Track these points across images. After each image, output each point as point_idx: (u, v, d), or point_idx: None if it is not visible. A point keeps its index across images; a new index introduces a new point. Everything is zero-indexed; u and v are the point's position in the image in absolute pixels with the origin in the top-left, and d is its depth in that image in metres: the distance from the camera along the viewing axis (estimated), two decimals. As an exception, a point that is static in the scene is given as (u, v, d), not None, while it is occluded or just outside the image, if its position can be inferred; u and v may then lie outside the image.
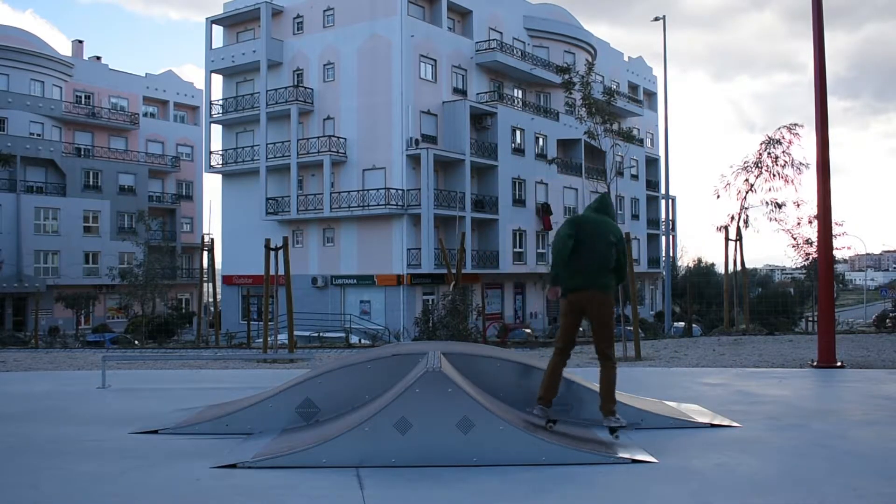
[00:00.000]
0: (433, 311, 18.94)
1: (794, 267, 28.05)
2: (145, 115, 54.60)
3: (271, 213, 40.80)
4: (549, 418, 5.79)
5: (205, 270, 26.05)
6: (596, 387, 6.61)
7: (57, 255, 46.07)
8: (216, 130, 45.09)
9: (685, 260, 55.37)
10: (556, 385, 5.93)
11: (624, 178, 44.68)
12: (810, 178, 24.54)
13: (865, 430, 6.41)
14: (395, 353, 6.54)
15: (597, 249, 5.91)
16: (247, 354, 17.55)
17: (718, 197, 21.56)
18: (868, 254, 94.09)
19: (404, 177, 37.29)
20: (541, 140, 43.91)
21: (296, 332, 16.94)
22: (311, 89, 40.76)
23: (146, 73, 55.55)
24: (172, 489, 4.74)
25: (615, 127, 16.34)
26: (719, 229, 21.54)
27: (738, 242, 21.20)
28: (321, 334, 25.06)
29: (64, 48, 61.78)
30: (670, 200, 37.69)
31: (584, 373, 10.05)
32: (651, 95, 60.30)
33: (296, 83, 41.21)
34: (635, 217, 52.13)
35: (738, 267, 21.69)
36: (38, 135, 47.18)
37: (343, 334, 26.19)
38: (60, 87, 49.64)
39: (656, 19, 35.22)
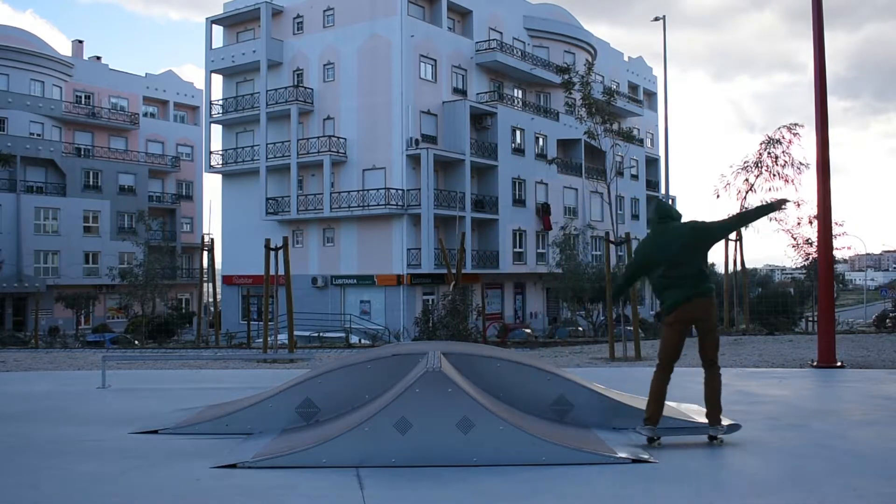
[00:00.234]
0: (433, 311, 18.95)
1: (794, 267, 28.04)
2: (145, 115, 54.59)
3: (271, 213, 40.79)
4: (655, 437, 5.77)
5: (205, 270, 26.05)
6: (596, 387, 6.61)
7: (57, 255, 46.06)
8: (216, 130, 45.10)
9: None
10: (662, 405, 5.79)
11: (624, 178, 44.67)
12: (810, 178, 24.55)
13: (865, 430, 6.41)
14: (395, 353, 6.54)
15: (678, 260, 5.78)
16: (247, 354, 17.55)
17: (718, 197, 21.57)
18: (868, 254, 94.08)
19: (404, 177, 37.29)
20: (541, 140, 43.90)
21: (296, 332, 16.94)
22: (311, 89, 40.76)
23: (146, 73, 55.55)
24: (172, 489, 4.74)
25: (615, 127, 16.32)
26: (719, 229, 21.50)
27: (738, 242, 21.20)
28: (321, 334, 25.08)
29: (64, 48, 61.81)
30: (670, 200, 37.70)
31: (583, 373, 10.05)
32: (651, 95, 60.29)
33: (296, 83, 41.21)
34: (635, 217, 52.12)
35: (738, 267, 21.69)
36: (38, 135, 47.17)
37: (343, 334, 26.20)
38: (60, 87, 49.63)
39: (656, 19, 35.24)
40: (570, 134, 42.43)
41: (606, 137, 15.31)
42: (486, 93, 42.43)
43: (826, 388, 9.29)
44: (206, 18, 44.57)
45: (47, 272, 45.53)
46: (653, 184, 54.74)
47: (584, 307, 31.19)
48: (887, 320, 26.26)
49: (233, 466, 5.17)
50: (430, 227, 36.56)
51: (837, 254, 22.63)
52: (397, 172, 37.52)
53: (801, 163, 20.41)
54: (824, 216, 11.33)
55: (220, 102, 44.05)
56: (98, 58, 54.46)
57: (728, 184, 21.18)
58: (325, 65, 40.45)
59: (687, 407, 7.19)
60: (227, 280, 43.41)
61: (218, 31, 44.86)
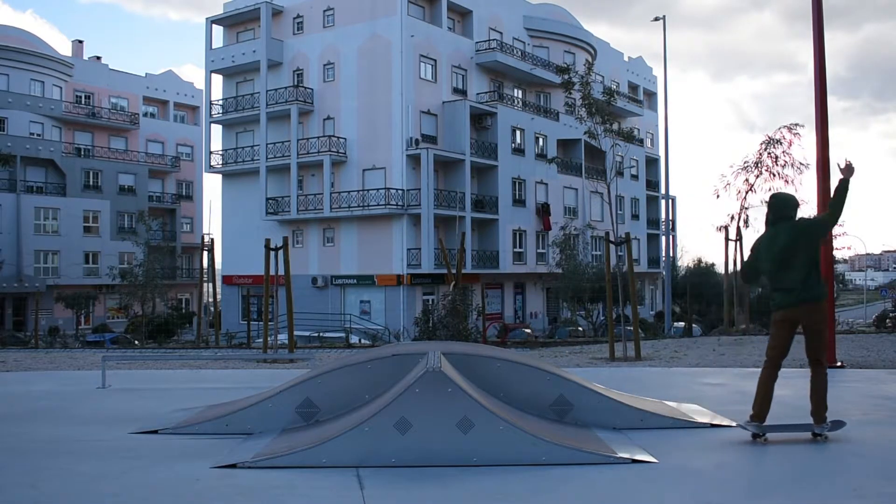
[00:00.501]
0: (433, 311, 18.97)
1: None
2: (145, 115, 54.58)
3: (271, 213, 40.79)
4: (762, 433, 5.79)
5: (205, 270, 26.07)
6: (596, 387, 6.61)
7: (57, 255, 46.05)
8: (216, 130, 45.09)
9: (685, 260, 55.32)
10: (769, 400, 5.83)
11: (624, 178, 44.68)
12: (811, 177, 24.54)
13: (865, 430, 6.41)
14: (395, 353, 6.54)
15: (787, 262, 5.78)
16: (247, 354, 17.56)
17: (718, 197, 21.56)
18: (868, 254, 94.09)
19: (404, 177, 37.28)
20: (541, 140, 43.90)
21: (296, 332, 16.95)
22: (311, 89, 40.75)
23: (146, 73, 55.54)
24: (172, 489, 4.74)
25: (615, 127, 16.30)
26: (719, 229, 21.54)
27: (738, 242, 21.21)
28: (321, 334, 25.07)
29: (64, 48, 61.80)
30: (670, 200, 37.69)
31: (583, 373, 10.05)
32: (651, 95, 60.29)
33: (296, 83, 41.21)
34: (635, 217, 52.11)
35: (739, 267, 21.69)
36: (38, 135, 47.16)
37: (343, 334, 26.19)
38: (60, 87, 49.62)
39: (656, 19, 35.24)
40: (570, 134, 42.43)
41: (606, 137, 15.28)
42: (486, 93, 42.43)
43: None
44: (206, 18, 44.57)
45: (47, 272, 45.53)
46: (653, 184, 54.74)
47: (584, 307, 31.19)
48: (887, 320, 26.28)
49: (233, 466, 5.17)
50: (430, 227, 36.56)
51: (837, 254, 22.63)
52: (397, 172, 37.52)
53: (801, 163, 20.40)
54: (824, 216, 11.32)
55: (220, 102, 44.04)
56: (98, 58, 54.45)
57: (728, 184, 21.18)
58: (325, 65, 40.45)
59: (688, 407, 7.19)
60: (227, 280, 43.41)
61: (218, 31, 44.86)
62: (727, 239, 21.22)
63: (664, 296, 37.50)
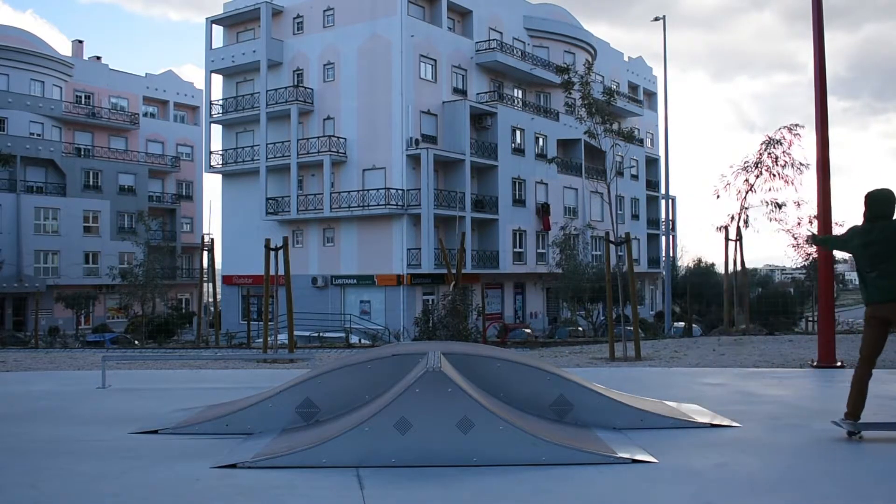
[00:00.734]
0: (433, 311, 18.97)
1: (794, 267, 28.07)
2: (145, 115, 54.59)
3: (271, 213, 40.80)
4: (857, 431, 5.82)
5: (205, 270, 26.07)
6: (596, 387, 6.61)
7: (57, 255, 46.06)
8: (216, 130, 45.09)
9: (685, 260, 55.36)
10: (864, 399, 5.85)
11: (624, 178, 44.69)
12: (810, 178, 24.55)
13: (865, 430, 6.40)
14: (395, 353, 6.54)
15: (879, 260, 5.78)
16: (247, 354, 17.56)
17: (718, 197, 21.55)
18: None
19: (404, 177, 37.29)
20: (541, 140, 43.90)
21: (296, 332, 16.94)
22: (311, 89, 40.76)
23: (146, 73, 55.54)
24: (172, 489, 4.74)
25: (615, 127, 16.29)
26: (719, 229, 21.54)
27: (738, 242, 21.20)
28: (321, 334, 25.07)
29: (64, 48, 61.80)
30: (670, 200, 37.69)
31: (583, 373, 10.05)
32: (651, 95, 60.29)
33: (296, 83, 41.21)
34: (635, 217, 52.12)
35: (738, 267, 21.69)
36: (38, 135, 47.17)
37: (343, 334, 26.19)
38: (60, 87, 49.63)
39: (656, 19, 35.24)
40: (570, 134, 42.44)
41: (606, 137, 15.28)
42: (486, 93, 42.43)
43: (826, 388, 9.29)
44: (206, 18, 44.58)
45: (47, 272, 45.53)
46: (653, 184, 54.74)
47: (584, 307, 31.19)
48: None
49: (233, 466, 5.17)
50: (430, 227, 36.56)
51: (837, 254, 22.60)
52: (397, 172, 37.52)
53: (801, 163, 20.39)
54: (824, 216, 11.33)
55: (220, 102, 44.05)
56: (98, 58, 54.46)
57: (728, 184, 21.17)
58: (325, 65, 40.45)
59: (688, 407, 7.19)
60: (227, 280, 43.41)
61: (218, 31, 44.86)
62: (727, 239, 21.21)
63: (664, 296, 37.50)
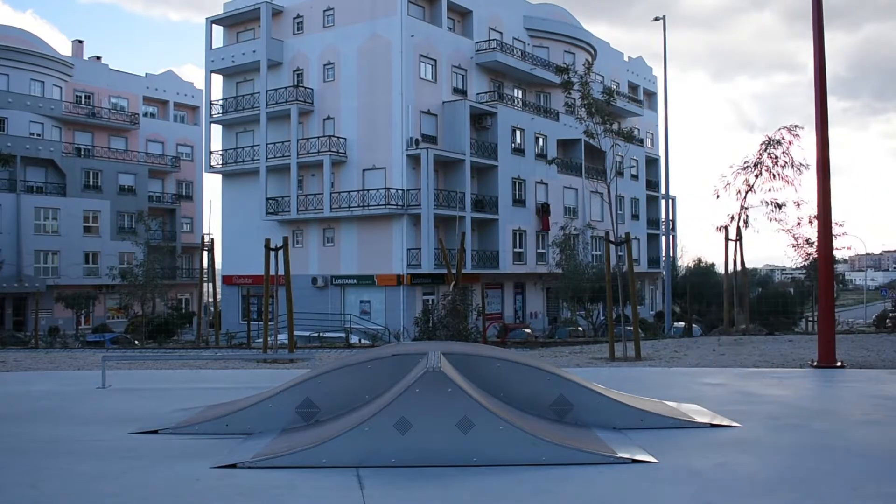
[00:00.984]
0: (433, 311, 18.96)
1: (794, 267, 28.05)
2: (145, 115, 54.57)
3: (271, 213, 40.79)
4: None
5: (205, 270, 26.08)
6: (596, 387, 6.61)
7: (57, 255, 46.04)
8: (216, 130, 45.06)
9: (685, 260, 55.29)
10: None
11: (624, 178, 44.69)
12: (810, 178, 24.54)
13: (865, 430, 6.40)
14: (395, 353, 6.54)
15: None
16: (247, 354, 17.56)
17: (718, 197, 21.55)
18: (868, 254, 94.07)
19: (404, 177, 37.28)
20: (541, 140, 43.89)
21: (296, 332, 16.94)
22: (311, 89, 40.74)
23: (146, 73, 55.52)
24: (172, 489, 4.74)
25: (615, 127, 16.30)
26: (719, 229, 21.54)
27: (738, 242, 21.21)
28: (321, 334, 25.06)
29: (64, 48, 61.79)
30: (670, 200, 37.67)
31: (583, 373, 10.05)
32: (651, 95, 60.27)
33: (296, 83, 41.20)
34: (635, 217, 52.10)
35: (738, 267, 21.69)
36: (38, 135, 47.15)
37: (343, 334, 26.19)
38: (60, 87, 49.62)
39: (656, 19, 35.23)
40: (570, 134, 42.43)
41: (606, 137, 15.29)
42: (486, 93, 42.42)
43: (826, 388, 9.29)
44: (206, 18, 44.54)
45: (47, 272, 45.52)
46: (653, 184, 54.73)
47: (584, 307, 31.19)
48: (887, 320, 26.29)
49: (233, 466, 5.17)
50: (430, 227, 36.55)
51: (837, 254, 22.64)
52: (397, 172, 37.51)
53: (801, 163, 20.39)
54: (824, 216, 11.33)
55: (220, 102, 44.03)
56: (98, 58, 54.45)
57: (728, 184, 21.18)
58: (325, 65, 40.44)
59: (688, 407, 7.19)
60: (227, 280, 43.40)
61: (218, 31, 44.85)
62: (727, 239, 21.21)
63: (664, 296, 37.50)
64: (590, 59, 18.11)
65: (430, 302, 32.17)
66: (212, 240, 26.49)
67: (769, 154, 20.55)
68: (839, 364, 10.92)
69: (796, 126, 20.60)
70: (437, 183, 37.80)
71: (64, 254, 45.97)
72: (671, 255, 38.91)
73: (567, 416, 6.21)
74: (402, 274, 37.08)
